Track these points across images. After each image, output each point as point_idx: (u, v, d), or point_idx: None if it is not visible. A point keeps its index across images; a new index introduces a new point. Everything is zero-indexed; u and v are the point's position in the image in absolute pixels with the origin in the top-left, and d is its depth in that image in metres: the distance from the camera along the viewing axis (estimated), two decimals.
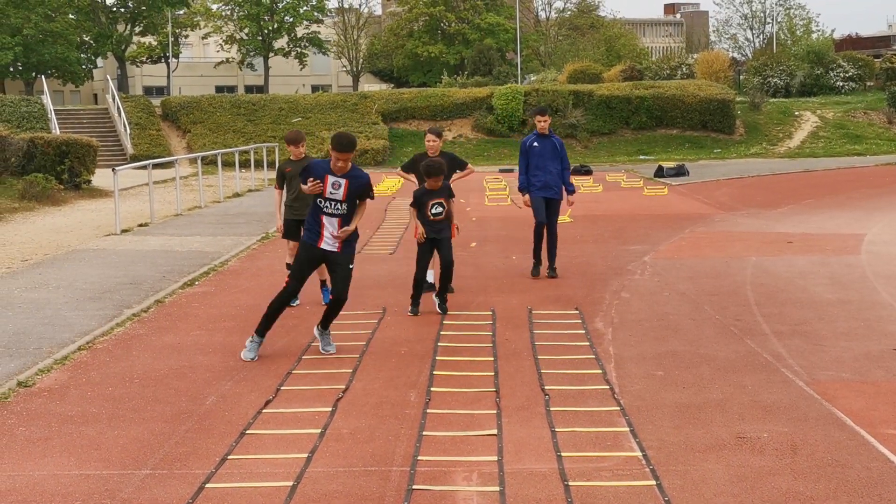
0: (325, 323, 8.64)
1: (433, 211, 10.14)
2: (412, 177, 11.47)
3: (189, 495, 5.44)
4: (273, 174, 29.83)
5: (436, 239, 10.25)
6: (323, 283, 10.94)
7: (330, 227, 8.26)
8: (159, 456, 6.08)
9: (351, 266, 8.41)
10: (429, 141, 11.17)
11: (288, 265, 10.89)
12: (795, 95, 49.15)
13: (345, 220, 8.27)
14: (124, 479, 5.70)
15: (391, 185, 26.12)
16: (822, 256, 13.67)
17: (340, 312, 8.68)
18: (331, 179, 8.17)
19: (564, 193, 12.30)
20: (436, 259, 10.60)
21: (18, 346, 8.89)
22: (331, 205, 8.21)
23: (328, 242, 8.29)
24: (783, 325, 9.46)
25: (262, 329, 8.48)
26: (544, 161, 12.17)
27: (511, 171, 32.95)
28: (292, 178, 10.59)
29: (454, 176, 11.28)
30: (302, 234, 8.69)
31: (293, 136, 10.83)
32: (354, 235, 8.40)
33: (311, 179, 8.18)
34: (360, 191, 8.27)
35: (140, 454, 6.12)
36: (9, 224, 18.80)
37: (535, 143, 12.22)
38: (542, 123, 12.25)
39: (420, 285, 10.31)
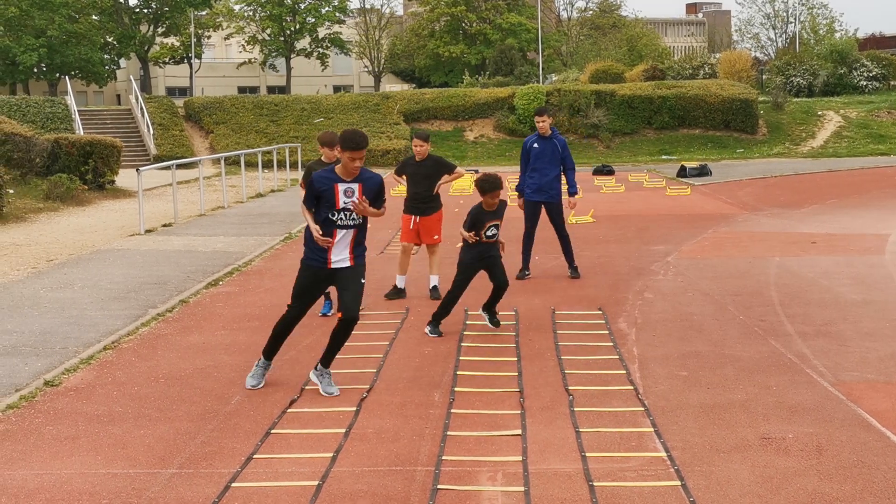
0: (326, 360, 7.53)
1: (488, 233, 9.19)
2: (403, 179, 11.48)
3: (215, 494, 5.47)
4: (295, 174, 29.97)
5: (486, 258, 9.29)
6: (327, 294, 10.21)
7: (344, 241, 7.32)
8: (185, 455, 6.12)
9: (363, 280, 7.45)
10: (416, 146, 10.98)
11: None
12: (818, 95, 48.88)
13: (360, 230, 7.39)
14: (150, 478, 5.74)
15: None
16: (847, 256, 13.59)
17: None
18: (342, 187, 7.25)
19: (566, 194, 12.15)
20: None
21: (45, 346, 8.96)
22: (345, 216, 7.27)
23: (338, 258, 7.33)
24: (807, 326, 9.42)
25: (269, 352, 7.70)
26: (542, 163, 11.97)
27: None
28: None
29: (442, 179, 11.22)
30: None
31: (328, 137, 9.85)
32: (363, 248, 7.46)
33: (321, 234, 7.28)
34: (374, 193, 7.38)
35: (166, 453, 6.16)
36: (34, 224, 18.94)
37: (536, 144, 12.01)
38: (542, 124, 11.93)
39: (450, 306, 9.38)
